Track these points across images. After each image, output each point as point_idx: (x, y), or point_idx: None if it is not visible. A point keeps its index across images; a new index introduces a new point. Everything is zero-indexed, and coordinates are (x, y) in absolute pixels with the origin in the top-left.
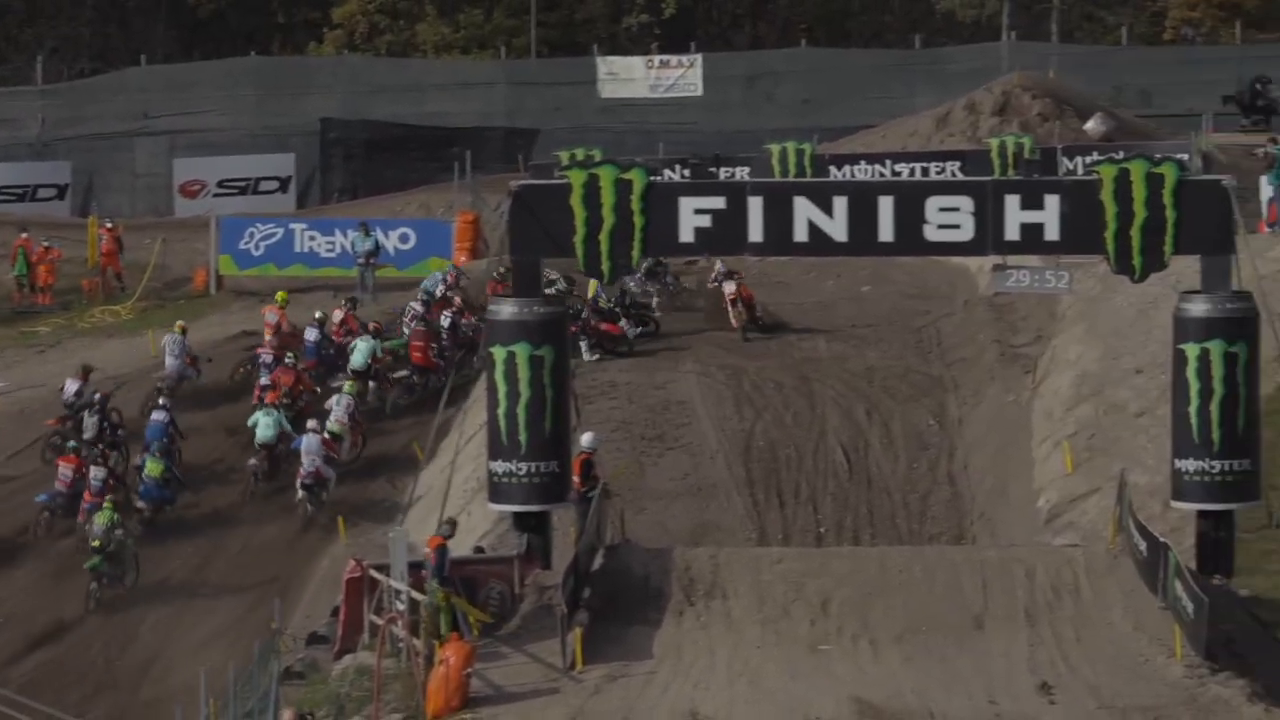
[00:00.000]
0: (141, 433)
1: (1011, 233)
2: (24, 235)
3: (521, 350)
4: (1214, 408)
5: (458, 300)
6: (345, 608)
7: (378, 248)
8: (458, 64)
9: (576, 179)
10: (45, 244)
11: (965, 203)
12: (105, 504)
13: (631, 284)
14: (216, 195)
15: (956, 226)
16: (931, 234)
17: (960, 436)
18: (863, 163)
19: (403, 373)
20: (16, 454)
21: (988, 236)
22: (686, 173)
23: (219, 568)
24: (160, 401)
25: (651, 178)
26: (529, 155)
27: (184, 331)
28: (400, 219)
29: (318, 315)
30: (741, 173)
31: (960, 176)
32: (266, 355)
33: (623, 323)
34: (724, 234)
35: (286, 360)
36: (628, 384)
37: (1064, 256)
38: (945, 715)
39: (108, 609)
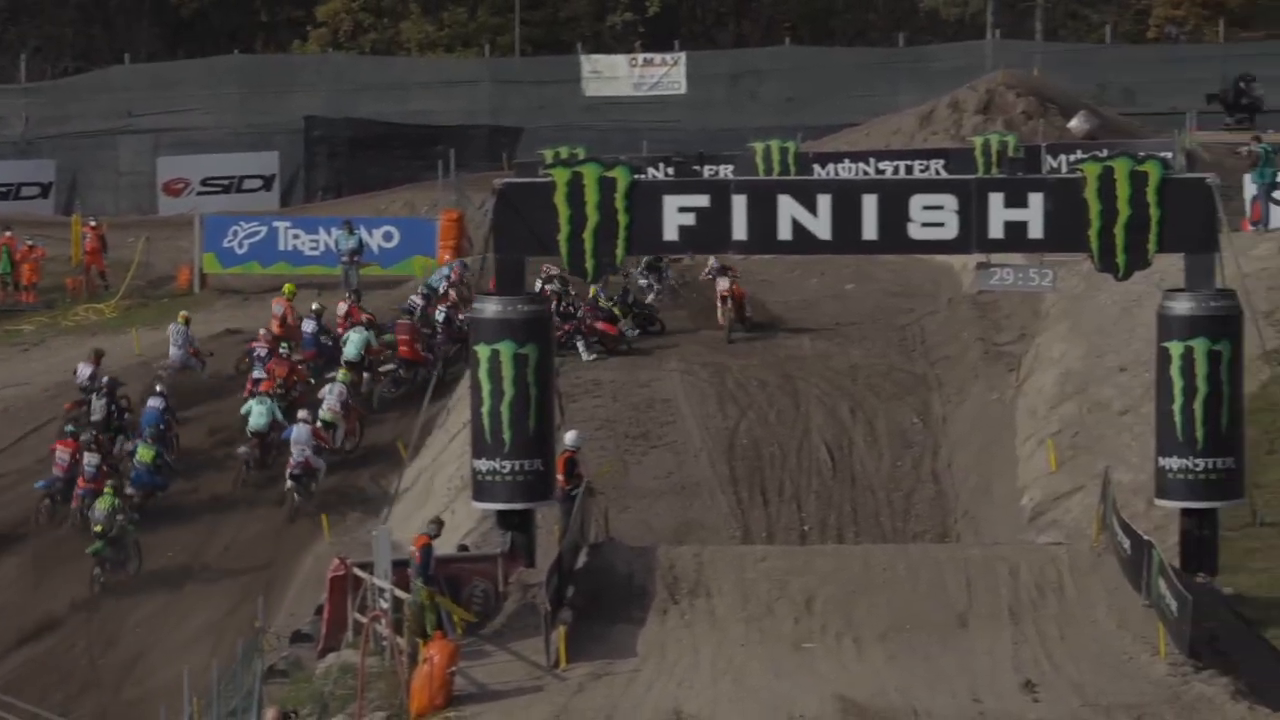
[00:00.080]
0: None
1: (995, 231)
2: (7, 234)
3: (505, 348)
4: (1198, 406)
5: (452, 295)
6: (329, 606)
7: (361, 246)
8: (442, 62)
9: (560, 177)
10: (29, 242)
11: (949, 201)
12: (106, 489)
13: (640, 281)
14: (200, 193)
15: (940, 225)
16: (915, 232)
17: (944, 434)
18: (846, 161)
19: (389, 366)
20: (2, 451)
21: (971, 235)
22: (670, 171)
23: (205, 563)
24: (157, 389)
25: (635, 176)
26: (513, 153)
27: (187, 322)
28: (384, 217)
29: (315, 307)
30: (725, 171)
31: (944, 175)
32: (261, 349)
33: (621, 323)
34: (708, 232)
35: (281, 350)
36: (612, 382)
37: (1048, 255)
38: (929, 713)
39: (92, 607)
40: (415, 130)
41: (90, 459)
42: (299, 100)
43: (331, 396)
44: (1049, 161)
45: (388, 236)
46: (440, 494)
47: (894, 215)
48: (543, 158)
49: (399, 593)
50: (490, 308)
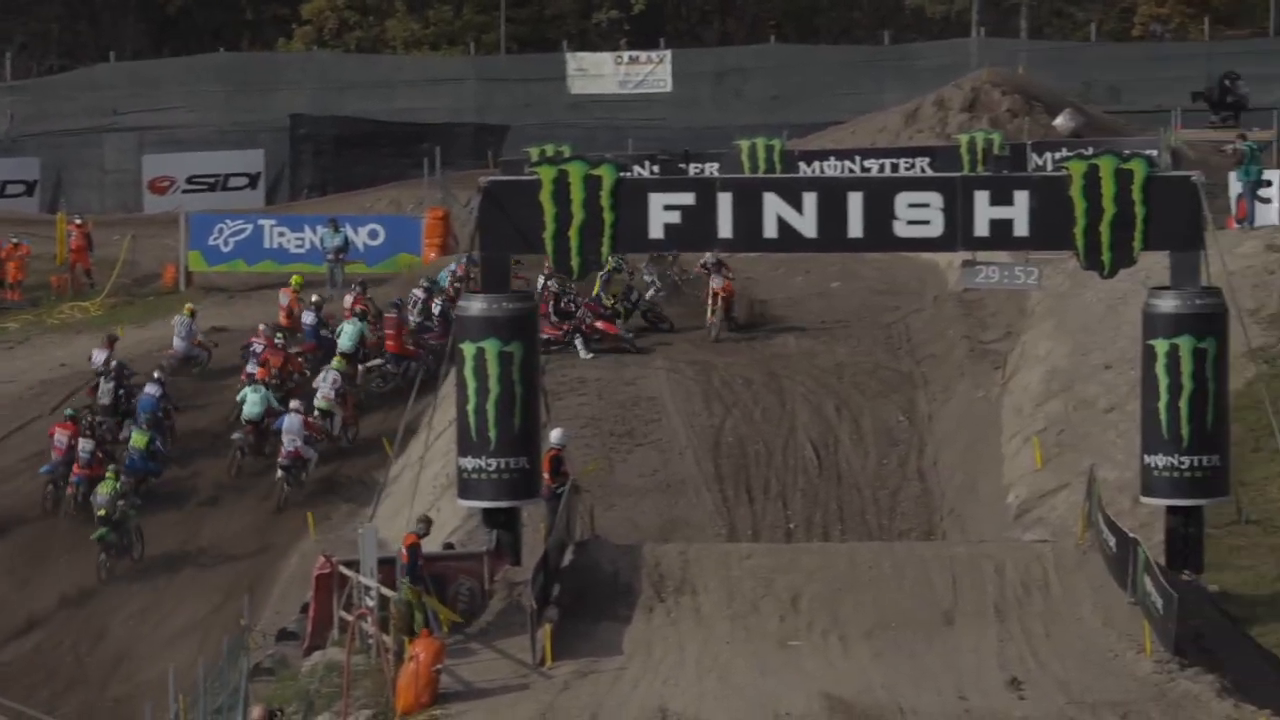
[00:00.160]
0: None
1: (981, 229)
2: None
3: (491, 346)
4: (1183, 403)
5: (450, 290)
6: (315, 604)
7: (347, 244)
8: (427, 60)
9: (546, 175)
10: (14, 240)
11: (934, 199)
12: (108, 473)
13: (645, 277)
14: (186, 191)
15: (926, 222)
16: (901, 230)
17: (930, 432)
18: (832, 159)
19: (377, 361)
20: None
21: (957, 232)
22: (656, 169)
23: (193, 557)
24: (155, 375)
25: (621, 174)
26: (499, 151)
27: (193, 314)
28: (370, 215)
29: (315, 299)
30: (711, 169)
31: (929, 172)
32: (258, 344)
33: (619, 321)
34: (693, 230)
35: (276, 340)
36: (597, 380)
37: (1033, 252)
38: (915, 711)
39: (77, 603)
40: (401, 128)
41: (85, 445)
42: (284, 98)
43: (326, 385)
44: (1034, 159)
45: (373, 234)
46: (426, 492)
47: (879, 213)
48: (528, 155)
49: (385, 591)
50: (475, 306)
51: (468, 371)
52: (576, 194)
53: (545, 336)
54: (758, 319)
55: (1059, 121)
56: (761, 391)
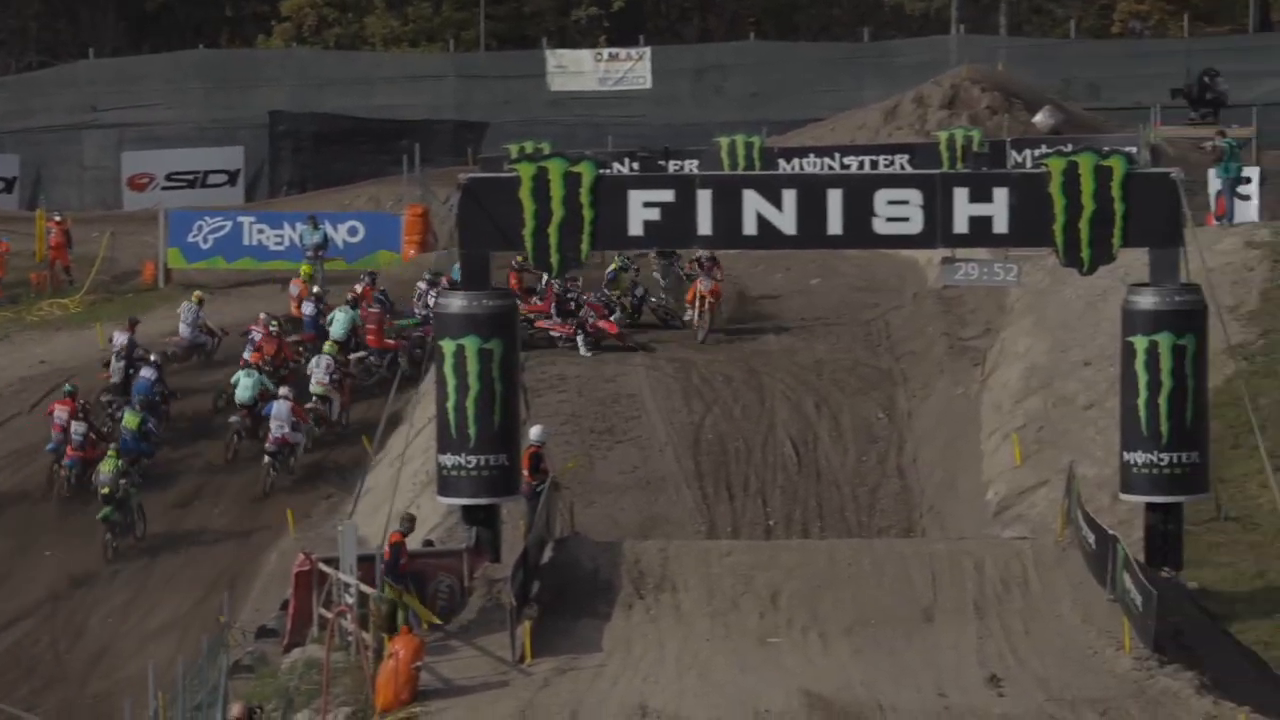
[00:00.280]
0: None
1: (960, 226)
2: None
3: (470, 343)
4: (1162, 400)
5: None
6: (294, 601)
7: (326, 241)
8: (407, 57)
9: (525, 172)
10: None
11: (914, 196)
12: (110, 451)
13: (655, 274)
14: (165, 188)
15: (905, 219)
16: (880, 227)
17: (909, 429)
18: (811, 156)
19: (360, 353)
20: None
21: (936, 229)
22: (635, 166)
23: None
24: (151, 358)
25: (600, 171)
26: (478, 148)
27: (200, 302)
28: (349, 212)
29: (315, 290)
30: (690, 166)
31: (909, 169)
32: (256, 332)
33: (616, 317)
34: (673, 227)
35: (271, 327)
36: (577, 377)
37: (1012, 249)
38: (894, 707)
39: (60, 597)
40: (380, 125)
41: (77, 427)
42: (264, 95)
43: (319, 370)
44: (1014, 156)
45: (352, 231)
46: (406, 489)
47: (859, 210)
48: (508, 152)
49: (364, 588)
50: (455, 303)
51: (447, 368)
52: (556, 191)
53: (555, 334)
54: (750, 315)
55: (1038, 118)
56: (741, 388)
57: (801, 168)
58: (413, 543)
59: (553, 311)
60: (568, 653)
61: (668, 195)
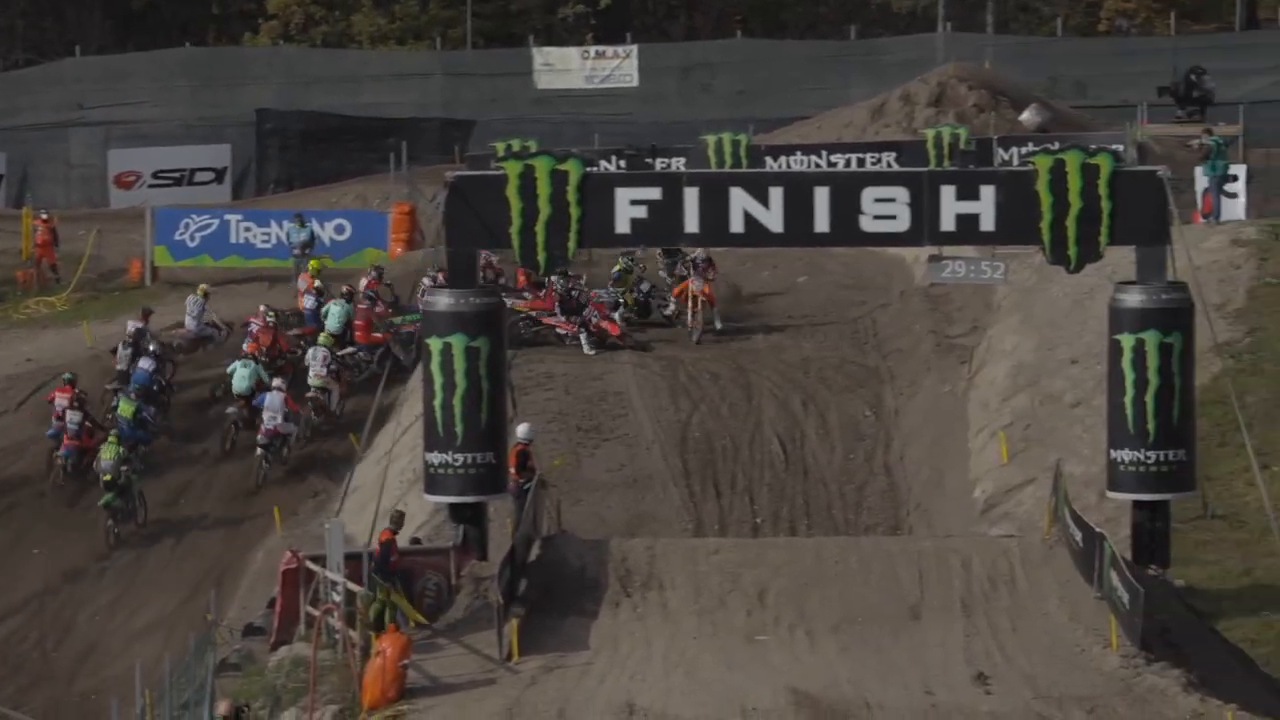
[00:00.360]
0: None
1: (947, 223)
2: None
3: (457, 341)
4: (1149, 398)
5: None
6: (281, 599)
7: (313, 239)
8: (393, 55)
9: (512, 170)
10: None
11: (901, 193)
12: (110, 438)
13: (662, 273)
14: (152, 186)
15: (892, 217)
16: (867, 225)
17: (896, 427)
18: (798, 153)
19: (349, 349)
20: None
21: (923, 227)
22: (622, 164)
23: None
24: (150, 349)
25: (587, 169)
26: (465, 146)
27: (206, 295)
28: (336, 210)
29: (317, 284)
30: (677, 164)
31: (896, 167)
32: (255, 323)
33: (620, 312)
34: (660, 225)
35: (268, 318)
36: (564, 375)
37: (999, 247)
38: (881, 705)
39: (48, 595)
40: (367, 123)
41: (73, 416)
42: (250, 93)
43: (316, 362)
44: (1000, 154)
45: (339, 229)
46: (393, 487)
47: (846, 208)
48: (495, 150)
49: (351, 586)
50: (442, 301)
51: (434, 366)
52: (543, 189)
53: (560, 331)
54: (738, 314)
55: (1025, 116)
56: (728, 386)
57: (788, 165)
58: (400, 540)
59: (556, 309)
60: (555, 651)
61: (654, 193)
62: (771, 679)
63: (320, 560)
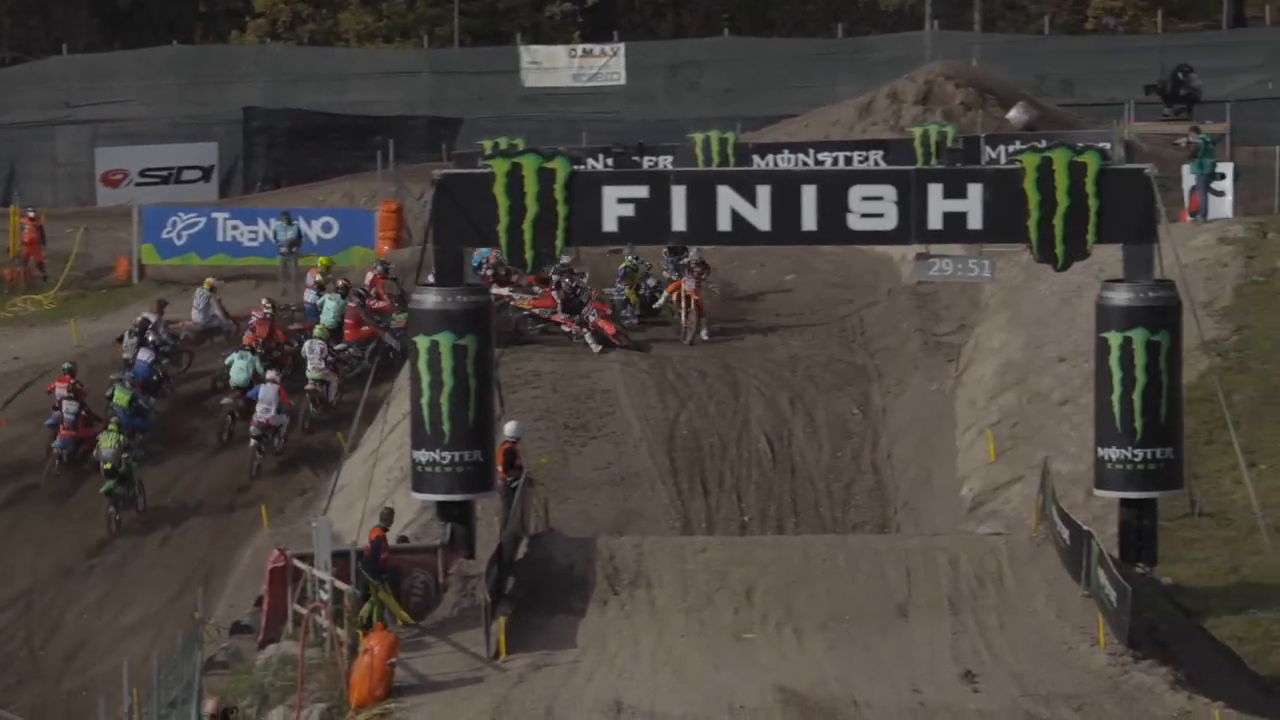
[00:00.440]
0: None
1: (934, 222)
2: None
3: (445, 339)
4: (1136, 396)
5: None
6: (269, 597)
7: (300, 237)
8: (381, 53)
9: (500, 168)
10: None
11: (888, 192)
12: (111, 425)
13: (666, 272)
14: (139, 184)
15: (880, 215)
16: (855, 223)
17: (884, 425)
18: (786, 152)
19: (340, 345)
20: None
21: (911, 225)
22: (610, 162)
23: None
24: (150, 339)
25: (575, 167)
26: (452, 144)
27: (212, 288)
28: (323, 208)
29: (317, 278)
30: (665, 162)
31: (883, 165)
32: (256, 315)
33: (622, 312)
34: (647, 223)
35: (265, 310)
36: (551, 373)
37: (987, 245)
38: (869, 703)
39: (35, 591)
40: (354, 121)
41: (69, 406)
42: (237, 91)
43: (315, 356)
44: (988, 152)
45: (326, 227)
46: (380, 485)
47: (833, 206)
48: (482, 148)
49: (339, 584)
50: (429, 299)
51: (422, 364)
52: (530, 187)
53: (566, 329)
54: (726, 312)
55: (1012, 114)
56: (716, 384)
57: (776, 164)
58: (388, 538)
59: (559, 307)
60: (542, 649)
61: (642, 191)
62: (759, 677)
63: (308, 558)
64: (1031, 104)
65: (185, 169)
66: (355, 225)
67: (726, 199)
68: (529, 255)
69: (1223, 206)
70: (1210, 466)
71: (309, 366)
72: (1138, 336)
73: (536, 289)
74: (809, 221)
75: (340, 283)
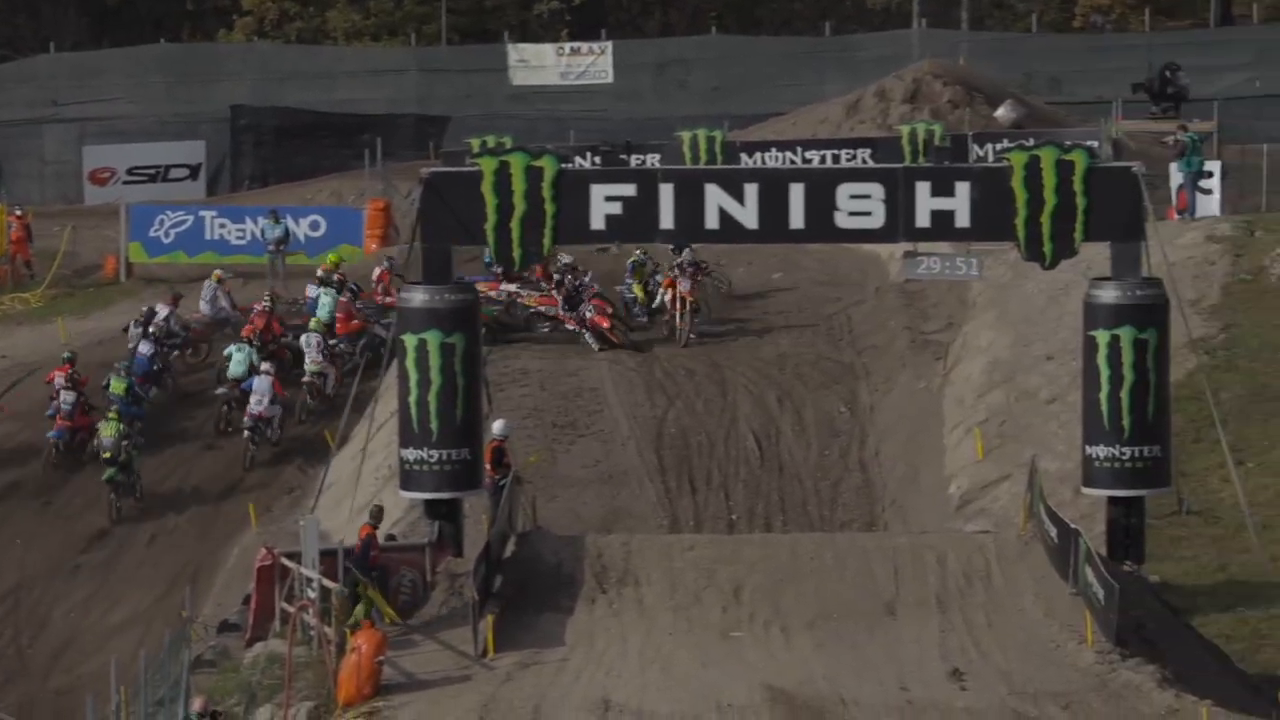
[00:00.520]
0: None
1: (922, 220)
2: None
3: (432, 338)
4: (1124, 394)
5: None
6: (256, 595)
7: (287, 235)
8: (368, 51)
9: (487, 166)
10: None
11: (876, 190)
12: (111, 414)
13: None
14: (126, 183)
15: (867, 214)
16: (842, 221)
17: (872, 423)
18: (773, 150)
19: (331, 340)
20: None
21: (898, 223)
22: (598, 160)
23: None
24: (149, 332)
25: (562, 165)
26: (440, 142)
27: (220, 281)
28: (311, 206)
29: (320, 274)
30: (652, 160)
31: (871, 164)
32: (255, 308)
33: (619, 312)
34: (635, 221)
35: (264, 303)
36: (539, 371)
37: (975, 243)
38: (856, 701)
39: (23, 588)
40: (342, 119)
41: (66, 397)
42: (225, 89)
43: (312, 349)
44: (976, 150)
45: (314, 225)
46: (368, 483)
47: (821, 204)
48: (470, 147)
49: (326, 582)
50: (417, 297)
51: (409, 363)
52: (518, 185)
53: (569, 327)
54: (728, 313)
55: (1000, 112)
56: (704, 382)
57: (763, 162)
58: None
59: (561, 305)
60: (530, 647)
61: (629, 189)
62: (747, 675)
63: (295, 557)
64: (1019, 102)
65: (173, 167)
66: (343, 223)
67: (714, 197)
68: (516, 253)
69: (1210, 204)
70: (1198, 464)
71: (307, 359)
72: (1125, 334)
73: (544, 285)
74: (797, 220)
75: (336, 276)
